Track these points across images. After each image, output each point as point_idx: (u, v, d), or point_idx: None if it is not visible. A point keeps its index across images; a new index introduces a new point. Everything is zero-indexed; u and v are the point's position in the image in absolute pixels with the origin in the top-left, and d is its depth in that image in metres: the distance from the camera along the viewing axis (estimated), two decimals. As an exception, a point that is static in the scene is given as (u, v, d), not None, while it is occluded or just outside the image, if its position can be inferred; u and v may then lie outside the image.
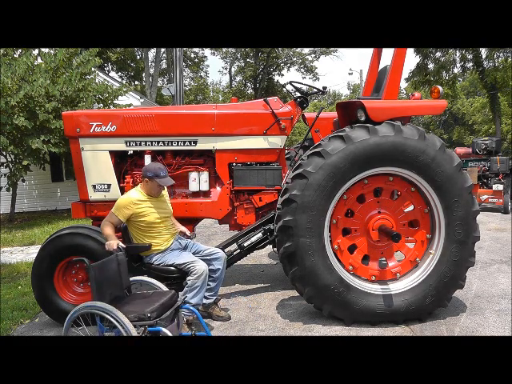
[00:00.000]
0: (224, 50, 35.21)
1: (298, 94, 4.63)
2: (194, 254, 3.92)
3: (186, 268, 3.65)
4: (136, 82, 30.48)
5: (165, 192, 4.06)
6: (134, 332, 2.76)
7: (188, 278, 3.62)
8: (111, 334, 2.88)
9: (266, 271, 5.75)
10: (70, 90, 9.92)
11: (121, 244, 3.54)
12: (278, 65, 35.79)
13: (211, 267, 3.89)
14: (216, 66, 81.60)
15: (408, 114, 4.15)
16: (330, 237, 3.94)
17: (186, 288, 3.61)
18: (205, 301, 3.98)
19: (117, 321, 2.77)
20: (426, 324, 3.85)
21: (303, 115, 5.06)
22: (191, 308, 3.39)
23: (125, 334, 2.75)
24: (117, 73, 29.39)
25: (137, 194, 3.80)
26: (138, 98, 14.44)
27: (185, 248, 3.97)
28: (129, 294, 3.40)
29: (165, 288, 3.45)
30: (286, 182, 3.97)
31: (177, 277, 3.73)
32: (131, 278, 3.44)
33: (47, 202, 13.17)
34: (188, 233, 4.07)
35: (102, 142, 4.40)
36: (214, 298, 4.01)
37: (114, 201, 4.37)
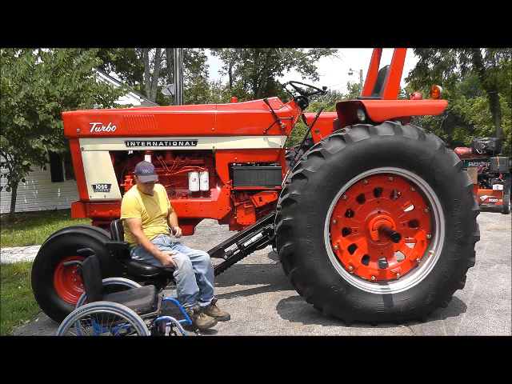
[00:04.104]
0: (224, 49, 35.23)
1: (298, 94, 4.63)
2: None
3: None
4: (136, 82, 30.45)
5: (159, 193, 4.06)
6: (143, 324, 2.78)
7: (174, 273, 3.65)
8: (108, 334, 2.87)
9: (266, 271, 5.75)
10: (70, 90, 9.92)
11: (170, 259, 3.66)
12: (278, 65, 35.78)
13: (193, 271, 3.88)
14: (216, 65, 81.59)
15: (408, 114, 4.15)
16: (330, 237, 3.93)
17: (177, 285, 3.66)
18: (201, 304, 3.99)
19: (126, 316, 2.78)
20: (426, 324, 3.85)
21: (303, 115, 5.06)
22: (170, 298, 3.48)
23: (136, 329, 2.77)
24: (117, 73, 29.39)
25: (134, 192, 3.92)
26: (138, 98, 14.43)
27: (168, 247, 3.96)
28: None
29: (138, 286, 3.48)
30: (286, 182, 3.97)
31: (152, 277, 3.72)
32: (103, 280, 3.36)
33: (47, 202, 13.17)
34: (177, 232, 4.08)
35: (102, 142, 4.40)
36: (210, 299, 4.01)
37: (114, 201, 4.39)
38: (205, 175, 4.53)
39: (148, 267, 3.72)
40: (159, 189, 4.11)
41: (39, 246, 4.26)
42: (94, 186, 4.44)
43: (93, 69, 11.36)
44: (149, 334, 2.83)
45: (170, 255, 3.68)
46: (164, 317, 3.06)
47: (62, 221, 10.73)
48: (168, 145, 4.48)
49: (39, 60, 10.32)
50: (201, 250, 4.06)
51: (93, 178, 4.43)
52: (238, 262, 4.72)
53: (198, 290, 3.78)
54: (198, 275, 3.90)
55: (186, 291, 3.65)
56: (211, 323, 3.76)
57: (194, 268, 3.87)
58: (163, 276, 3.77)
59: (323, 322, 3.92)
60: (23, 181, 10.64)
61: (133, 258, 3.80)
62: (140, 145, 4.46)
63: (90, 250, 3.28)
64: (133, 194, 3.86)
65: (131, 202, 3.77)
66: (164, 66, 32.38)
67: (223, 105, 4.79)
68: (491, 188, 10.41)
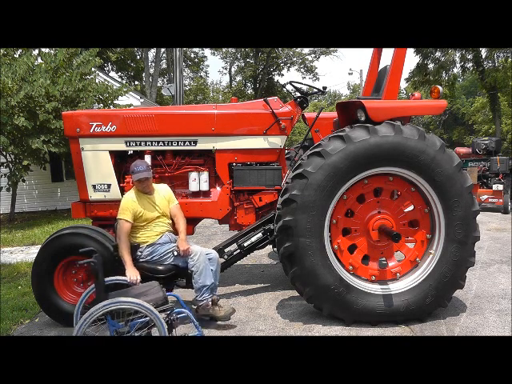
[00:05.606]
0: (224, 49, 35.23)
1: (298, 94, 4.63)
2: None
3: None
4: (136, 82, 30.46)
5: (161, 192, 4.01)
6: (161, 317, 2.82)
7: (190, 264, 3.68)
8: (124, 330, 2.87)
9: (266, 271, 5.75)
10: (70, 90, 9.92)
11: (138, 277, 3.54)
12: (278, 65, 35.78)
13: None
14: (216, 65, 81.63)
15: (408, 114, 4.15)
16: (330, 237, 3.93)
17: (194, 276, 3.68)
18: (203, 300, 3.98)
19: (145, 310, 2.80)
20: (426, 324, 3.85)
21: (303, 115, 5.06)
22: (172, 294, 3.46)
23: (155, 321, 2.81)
24: (117, 73, 29.39)
25: (132, 193, 3.90)
26: (138, 98, 14.44)
27: None
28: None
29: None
30: (286, 182, 3.97)
31: (161, 277, 3.70)
32: (105, 279, 3.32)
33: (47, 202, 13.16)
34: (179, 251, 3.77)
35: (102, 142, 4.40)
36: (213, 295, 4.00)
37: (114, 201, 4.38)
38: (205, 175, 4.53)
39: (160, 267, 3.71)
40: (161, 188, 4.05)
41: (39, 246, 4.25)
42: (94, 186, 4.44)
43: (93, 69, 11.35)
44: (166, 326, 2.86)
45: (187, 248, 3.70)
46: (179, 309, 3.08)
47: (62, 221, 10.73)
48: (168, 145, 4.48)
49: (39, 60, 10.32)
50: (209, 248, 4.07)
51: (93, 178, 4.43)
52: (238, 262, 4.72)
53: (214, 280, 3.79)
54: None
55: (203, 282, 3.68)
56: (230, 312, 3.83)
57: None
58: (174, 276, 3.77)
59: (323, 322, 3.92)
60: (23, 181, 10.64)
61: (142, 258, 3.79)
62: (140, 145, 4.46)
63: (93, 250, 3.27)
64: (131, 196, 3.86)
65: (126, 204, 3.78)
66: (164, 66, 32.40)
67: (223, 105, 4.79)
68: (491, 188, 10.41)
